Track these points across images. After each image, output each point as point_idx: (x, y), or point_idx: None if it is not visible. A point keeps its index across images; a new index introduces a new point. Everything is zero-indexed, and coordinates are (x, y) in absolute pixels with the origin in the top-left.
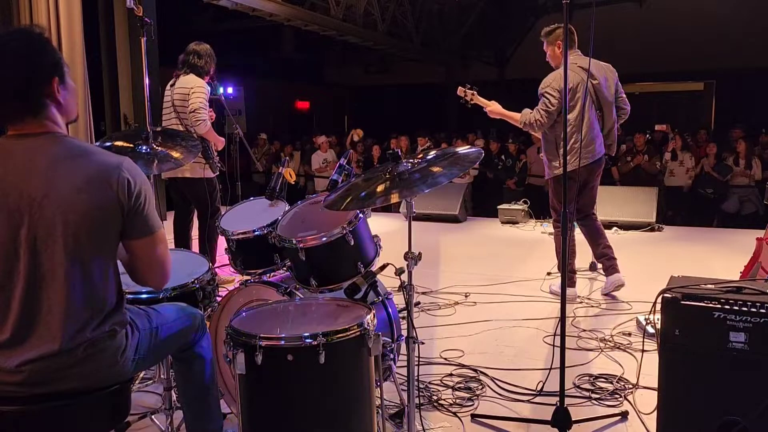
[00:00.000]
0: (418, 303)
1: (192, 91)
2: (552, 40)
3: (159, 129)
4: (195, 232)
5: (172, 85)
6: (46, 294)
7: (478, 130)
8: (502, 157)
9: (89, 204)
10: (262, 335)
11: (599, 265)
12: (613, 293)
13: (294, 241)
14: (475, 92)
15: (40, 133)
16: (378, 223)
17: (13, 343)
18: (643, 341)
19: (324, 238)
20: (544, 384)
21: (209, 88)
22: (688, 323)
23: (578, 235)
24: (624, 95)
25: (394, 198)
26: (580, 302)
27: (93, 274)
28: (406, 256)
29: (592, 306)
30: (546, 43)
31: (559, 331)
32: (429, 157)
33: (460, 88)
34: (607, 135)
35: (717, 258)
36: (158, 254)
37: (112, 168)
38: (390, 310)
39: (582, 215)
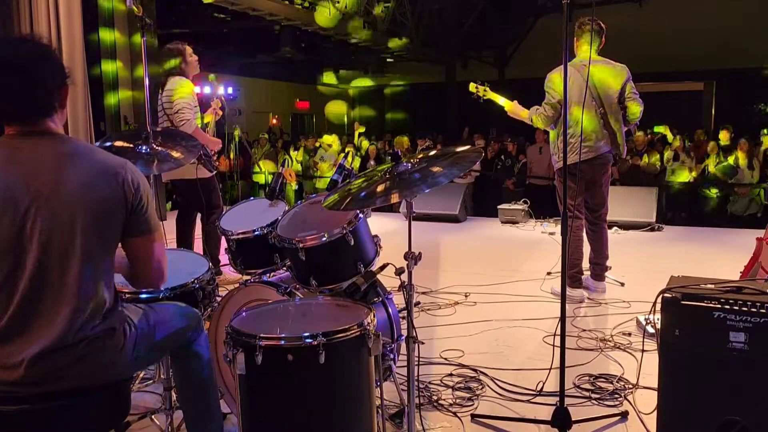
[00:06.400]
0: (418, 303)
1: (175, 90)
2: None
3: (159, 129)
4: (198, 233)
5: (162, 89)
6: (52, 289)
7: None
8: (502, 156)
9: (96, 198)
10: (262, 335)
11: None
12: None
13: (294, 241)
14: (487, 87)
15: (44, 132)
16: (378, 223)
17: (9, 336)
18: (643, 341)
19: (324, 238)
20: (544, 384)
21: (193, 86)
22: (688, 323)
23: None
24: (635, 98)
25: (394, 198)
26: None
27: (97, 270)
28: (406, 256)
29: (592, 306)
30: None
31: (559, 331)
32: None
33: (471, 84)
34: (614, 136)
35: (717, 258)
36: (156, 253)
37: (118, 165)
38: (390, 310)
39: (594, 215)
